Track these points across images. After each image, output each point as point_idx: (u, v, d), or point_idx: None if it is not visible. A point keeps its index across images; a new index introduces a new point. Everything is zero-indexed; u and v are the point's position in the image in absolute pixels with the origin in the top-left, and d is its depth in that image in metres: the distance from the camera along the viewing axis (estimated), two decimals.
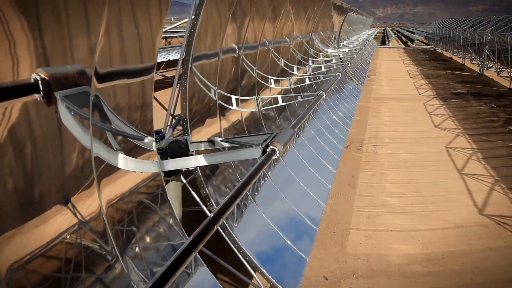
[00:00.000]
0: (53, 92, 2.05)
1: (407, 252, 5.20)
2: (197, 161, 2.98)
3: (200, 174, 3.62)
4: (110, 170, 2.79)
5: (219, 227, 3.58)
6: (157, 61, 3.22)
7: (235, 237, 3.59)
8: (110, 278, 2.42)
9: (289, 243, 4.16)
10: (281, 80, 7.06)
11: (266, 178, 5.06)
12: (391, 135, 10.53)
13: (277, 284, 3.60)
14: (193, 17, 3.72)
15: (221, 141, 3.24)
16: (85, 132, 2.42)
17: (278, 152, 2.75)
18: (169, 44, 23.30)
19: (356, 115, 11.76)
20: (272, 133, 3.08)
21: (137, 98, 3.07)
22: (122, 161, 2.94)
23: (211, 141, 3.34)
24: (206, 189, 3.64)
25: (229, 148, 3.35)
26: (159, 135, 3.24)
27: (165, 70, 17.93)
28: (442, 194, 6.94)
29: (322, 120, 8.61)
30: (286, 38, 7.75)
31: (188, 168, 3.24)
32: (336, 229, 5.72)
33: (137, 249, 2.83)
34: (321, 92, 5.22)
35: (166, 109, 4.39)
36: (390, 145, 9.71)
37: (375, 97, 15.61)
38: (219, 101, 4.58)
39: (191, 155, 3.42)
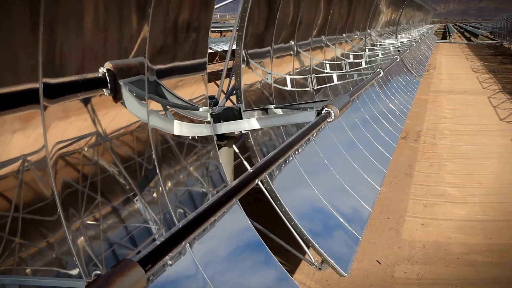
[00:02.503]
0: (117, 81, 2.36)
1: (466, 241, 4.91)
2: (250, 124, 2.94)
3: (253, 143, 3.58)
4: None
5: (268, 194, 3.54)
6: (211, 51, 3.49)
7: (286, 209, 3.53)
8: (129, 211, 2.48)
9: (341, 219, 4.04)
10: (337, 63, 6.92)
11: (316, 151, 4.94)
12: (451, 127, 10.02)
13: (329, 259, 3.50)
14: None
15: (274, 107, 3.19)
16: (143, 107, 2.63)
17: (333, 114, 2.65)
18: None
19: (414, 107, 11.29)
20: (326, 99, 2.99)
21: (193, 76, 3.21)
22: (177, 126, 3.00)
23: (264, 109, 3.30)
24: (258, 158, 3.60)
25: None
26: (213, 101, 3.25)
27: (218, 61, 18.14)
28: (507, 187, 6.50)
29: (378, 106, 8.36)
30: (344, 34, 7.64)
31: (241, 132, 3.22)
32: (390, 215, 5.51)
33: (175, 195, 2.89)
34: (378, 70, 5.04)
35: (218, 85, 4.42)
36: (449, 136, 9.23)
37: (434, 90, 14.92)
38: (274, 84, 4.55)
39: None
